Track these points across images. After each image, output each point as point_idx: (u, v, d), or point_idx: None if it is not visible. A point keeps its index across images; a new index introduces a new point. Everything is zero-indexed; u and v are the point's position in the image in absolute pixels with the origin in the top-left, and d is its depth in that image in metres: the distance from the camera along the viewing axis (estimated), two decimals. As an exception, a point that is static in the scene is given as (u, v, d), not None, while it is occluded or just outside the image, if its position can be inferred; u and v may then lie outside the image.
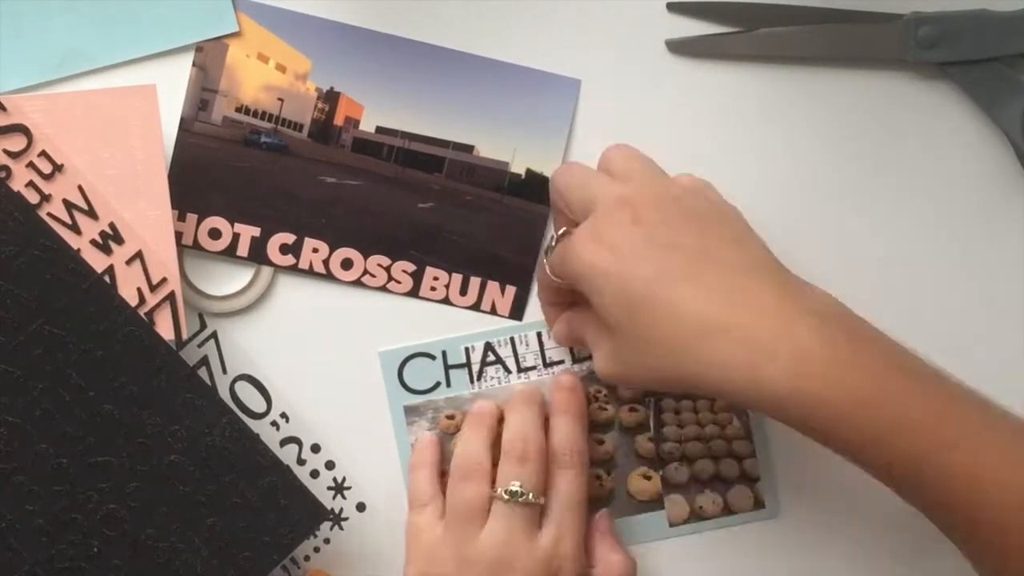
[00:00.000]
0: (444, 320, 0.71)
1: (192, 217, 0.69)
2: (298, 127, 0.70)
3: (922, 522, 0.70)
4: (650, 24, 0.70)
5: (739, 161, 0.71)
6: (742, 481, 0.71)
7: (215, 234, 0.69)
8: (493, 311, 0.71)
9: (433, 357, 0.70)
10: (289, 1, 0.69)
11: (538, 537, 0.65)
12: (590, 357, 0.68)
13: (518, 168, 0.70)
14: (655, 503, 0.71)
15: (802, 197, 0.71)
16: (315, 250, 0.70)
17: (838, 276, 0.70)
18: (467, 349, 0.70)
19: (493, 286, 0.71)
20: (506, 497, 0.64)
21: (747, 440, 0.71)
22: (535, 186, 0.70)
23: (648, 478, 0.71)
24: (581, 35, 0.70)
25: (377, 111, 0.69)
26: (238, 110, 0.69)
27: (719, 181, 0.67)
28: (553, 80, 0.70)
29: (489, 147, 0.70)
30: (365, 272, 0.70)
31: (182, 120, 0.69)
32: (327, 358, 0.70)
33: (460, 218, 0.70)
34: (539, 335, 0.71)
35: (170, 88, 0.68)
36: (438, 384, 0.71)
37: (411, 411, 0.70)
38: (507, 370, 0.71)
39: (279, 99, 0.69)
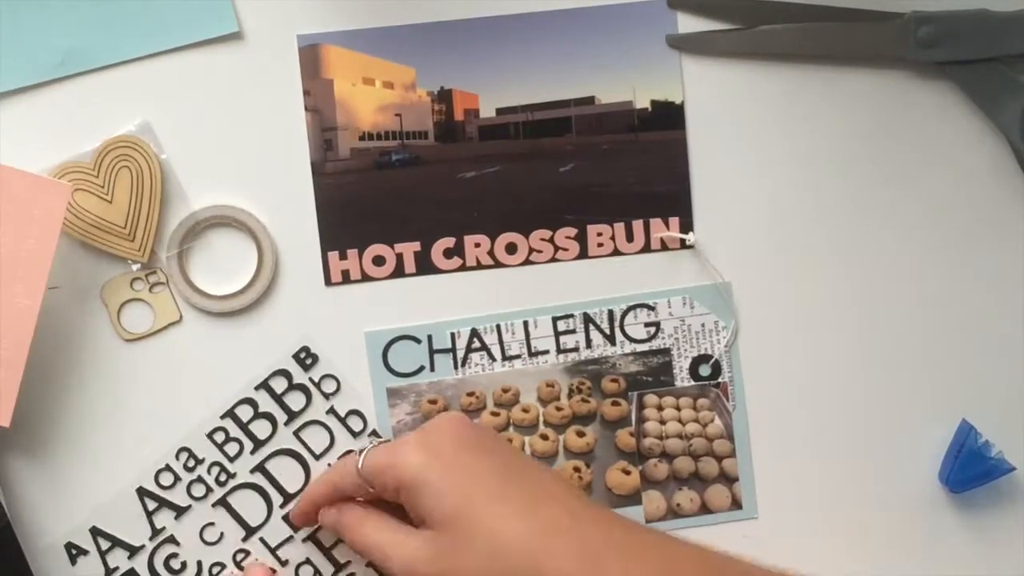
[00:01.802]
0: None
1: (353, 252, 0.69)
2: (423, 135, 0.70)
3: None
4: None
5: (735, 157, 0.70)
6: (720, 480, 0.71)
7: (379, 261, 0.70)
8: (664, 248, 0.70)
9: (418, 341, 0.70)
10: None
11: None
12: (574, 349, 0.70)
13: (642, 103, 0.70)
14: (633, 498, 0.71)
15: (799, 193, 0.71)
16: (477, 245, 0.70)
17: (834, 273, 0.71)
18: (453, 334, 0.70)
19: (657, 223, 0.70)
20: None
21: (728, 440, 0.71)
22: (665, 115, 0.70)
23: (627, 472, 0.71)
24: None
25: (492, 94, 0.70)
26: (362, 138, 0.70)
27: (716, 177, 0.68)
28: (641, 8, 0.69)
29: (608, 92, 0.70)
30: (531, 251, 0.70)
31: (312, 165, 0.69)
32: (326, 358, 0.70)
33: (603, 169, 0.70)
34: (525, 324, 0.71)
35: (169, 88, 0.68)
36: (422, 368, 0.70)
37: (393, 394, 0.70)
38: (492, 357, 0.71)
39: (397, 115, 0.70)
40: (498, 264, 0.70)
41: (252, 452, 0.70)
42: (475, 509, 0.59)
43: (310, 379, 0.70)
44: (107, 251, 0.68)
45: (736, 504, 0.71)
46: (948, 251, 0.71)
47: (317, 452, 0.70)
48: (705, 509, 0.71)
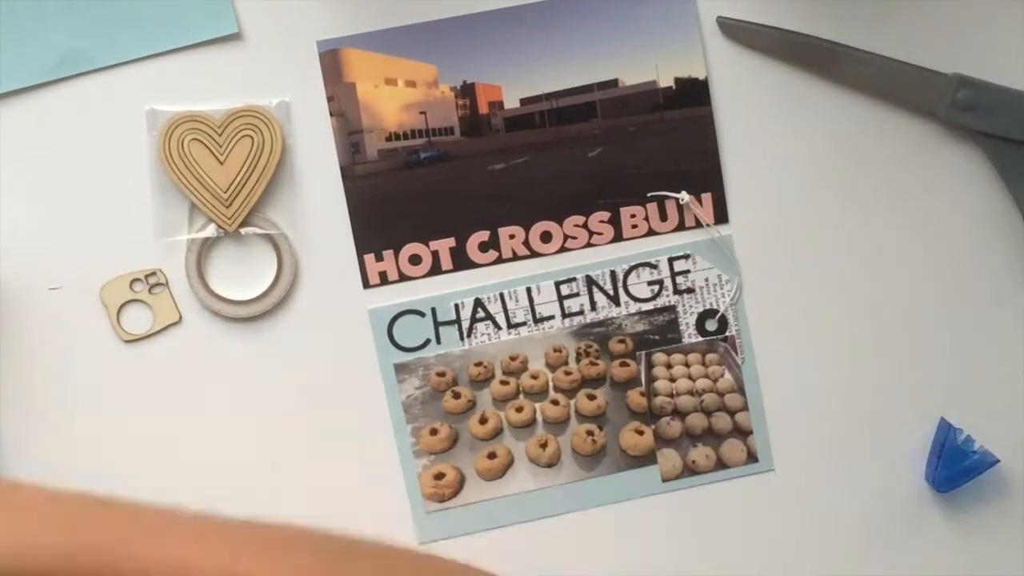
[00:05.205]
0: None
1: (389, 254, 0.70)
2: (449, 131, 0.69)
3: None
4: None
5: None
6: (735, 435, 0.71)
7: (415, 260, 0.70)
8: (698, 224, 0.71)
9: (422, 314, 0.71)
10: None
11: None
12: (579, 312, 0.71)
13: (666, 81, 0.70)
14: (648, 458, 0.71)
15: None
16: (512, 236, 0.71)
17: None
18: (456, 306, 0.71)
19: (690, 200, 0.71)
20: None
21: (739, 394, 0.71)
22: (689, 92, 0.70)
23: (640, 433, 0.71)
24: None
25: (514, 85, 0.69)
26: (388, 139, 0.69)
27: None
28: (660, -15, 0.67)
29: (631, 73, 0.70)
30: (566, 237, 0.71)
31: (342, 169, 0.68)
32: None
33: (632, 150, 0.71)
34: (528, 290, 0.71)
35: (169, 88, 0.67)
36: (428, 341, 0.71)
37: (401, 369, 0.70)
38: (497, 326, 0.71)
39: (421, 113, 0.69)
40: (534, 254, 0.71)
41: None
42: None
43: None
44: (198, 206, 0.68)
45: (752, 457, 0.71)
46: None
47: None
48: (721, 464, 0.71)
